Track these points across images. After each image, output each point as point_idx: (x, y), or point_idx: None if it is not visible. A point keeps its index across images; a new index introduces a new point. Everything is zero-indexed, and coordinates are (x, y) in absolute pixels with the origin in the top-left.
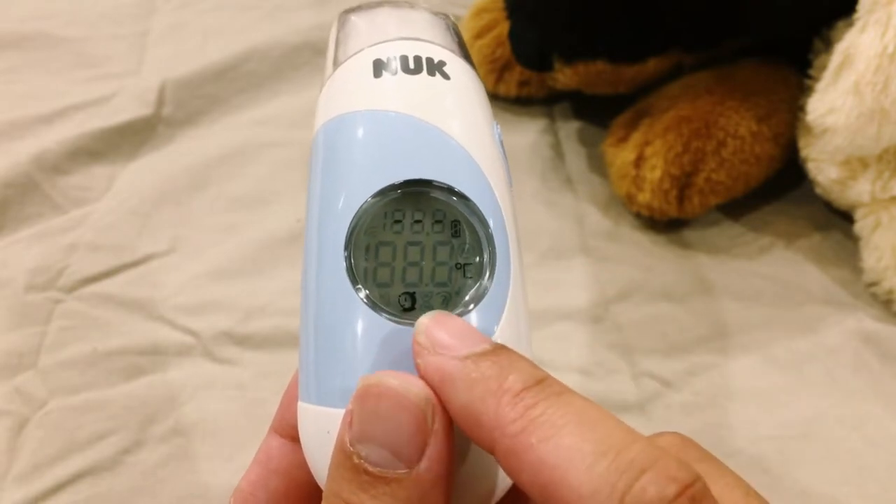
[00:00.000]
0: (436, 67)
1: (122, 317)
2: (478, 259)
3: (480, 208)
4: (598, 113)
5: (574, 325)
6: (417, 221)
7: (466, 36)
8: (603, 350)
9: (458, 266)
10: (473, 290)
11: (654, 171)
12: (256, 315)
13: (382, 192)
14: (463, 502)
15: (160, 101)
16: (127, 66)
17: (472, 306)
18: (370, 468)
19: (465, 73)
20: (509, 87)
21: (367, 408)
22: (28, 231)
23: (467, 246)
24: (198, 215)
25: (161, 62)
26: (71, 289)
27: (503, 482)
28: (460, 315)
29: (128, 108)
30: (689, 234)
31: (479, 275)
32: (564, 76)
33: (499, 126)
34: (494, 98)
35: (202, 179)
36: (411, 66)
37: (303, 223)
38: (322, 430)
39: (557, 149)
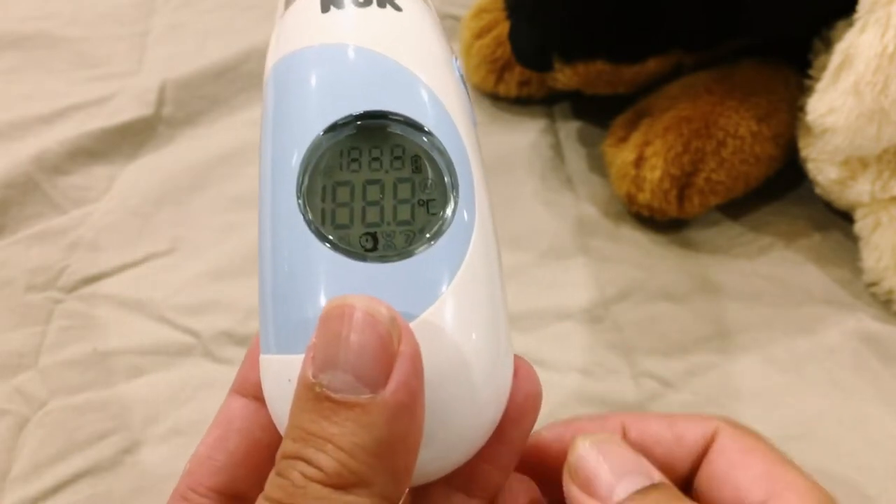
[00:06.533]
0: (387, 0)
1: (122, 317)
2: (441, 194)
3: (440, 139)
4: (598, 113)
5: (574, 325)
6: (375, 159)
7: (466, 35)
8: (603, 350)
9: (422, 203)
10: (437, 225)
11: (654, 171)
12: (256, 315)
13: (336, 127)
14: (442, 439)
15: (160, 101)
16: (127, 66)
17: (435, 242)
18: (332, 395)
19: (417, 5)
20: (509, 87)
21: (329, 330)
22: (28, 231)
23: (430, 181)
24: (198, 215)
25: (161, 62)
26: (71, 289)
27: (488, 423)
28: (425, 249)
29: (128, 108)
30: (689, 234)
31: (443, 209)
32: (564, 76)
33: (458, 60)
34: (495, 98)
35: (202, 179)
36: None
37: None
38: (283, 378)
39: (557, 149)
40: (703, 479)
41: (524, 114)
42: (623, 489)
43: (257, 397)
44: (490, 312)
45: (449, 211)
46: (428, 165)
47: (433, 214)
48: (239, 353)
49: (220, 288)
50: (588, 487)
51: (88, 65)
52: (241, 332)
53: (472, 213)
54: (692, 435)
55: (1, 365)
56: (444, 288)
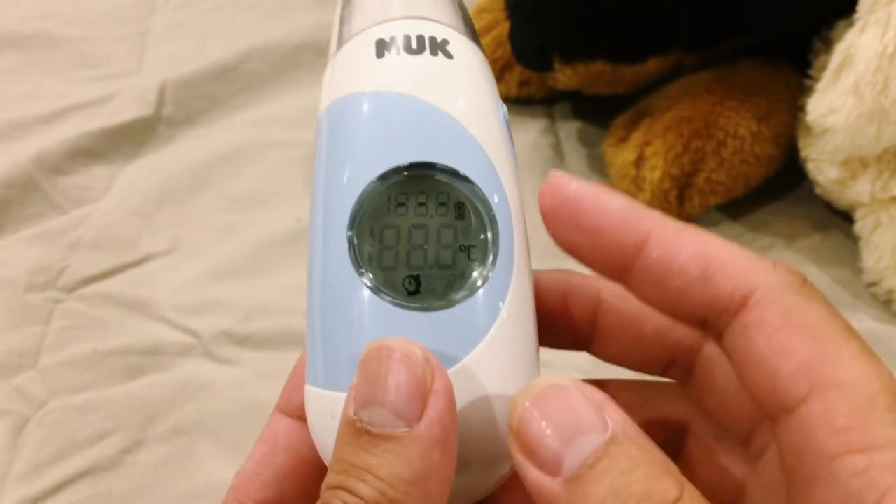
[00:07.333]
0: (439, 47)
1: (122, 317)
2: (482, 241)
3: (483, 189)
4: (598, 113)
5: None
6: (421, 204)
7: None
8: None
9: (463, 248)
10: (478, 271)
11: (654, 172)
12: (256, 315)
13: (385, 176)
14: (474, 469)
15: (160, 101)
16: (127, 66)
17: (476, 288)
18: (372, 429)
19: (469, 53)
20: (509, 87)
21: (369, 371)
22: (28, 231)
23: (472, 228)
24: (198, 215)
25: (161, 62)
26: (71, 289)
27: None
28: (465, 298)
29: (128, 108)
30: None
31: (483, 256)
32: (564, 76)
33: (504, 106)
34: None
35: (202, 179)
36: (414, 46)
37: (303, 223)
38: (328, 414)
39: (557, 149)
40: (735, 350)
41: (524, 114)
42: (573, 458)
43: (301, 417)
44: (524, 355)
45: (489, 258)
46: (471, 213)
47: (473, 260)
48: (239, 353)
49: (220, 288)
50: (533, 456)
51: (88, 65)
52: (241, 332)
53: (510, 261)
54: (726, 286)
55: (1, 365)
56: (483, 334)
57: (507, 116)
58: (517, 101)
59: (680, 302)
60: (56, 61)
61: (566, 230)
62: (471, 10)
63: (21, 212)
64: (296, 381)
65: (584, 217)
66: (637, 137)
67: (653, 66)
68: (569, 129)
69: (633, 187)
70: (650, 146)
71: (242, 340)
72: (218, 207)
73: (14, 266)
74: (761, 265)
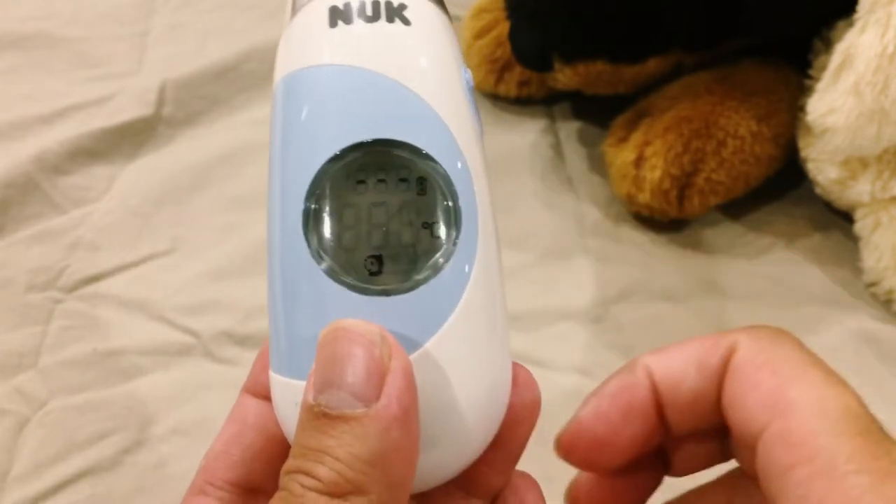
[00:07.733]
0: (395, 12)
1: (122, 317)
2: (445, 218)
3: (443, 164)
4: (598, 113)
5: (574, 325)
6: (381, 181)
7: (466, 35)
8: (603, 350)
9: (426, 225)
10: (441, 249)
11: (654, 172)
12: (256, 315)
13: (342, 155)
14: (441, 448)
15: (160, 101)
16: (127, 66)
17: (439, 266)
18: (330, 411)
19: (430, 16)
20: (509, 87)
21: (325, 355)
22: (28, 231)
23: (434, 205)
24: (198, 215)
25: (161, 62)
26: (71, 289)
27: (483, 440)
28: (429, 277)
29: (128, 108)
30: (689, 234)
31: (447, 233)
32: (564, 76)
33: (469, 71)
34: (495, 98)
35: (202, 179)
36: (369, 12)
37: None
38: (291, 402)
39: (557, 149)
40: (723, 406)
41: (524, 114)
42: None
43: (269, 398)
44: (492, 334)
45: (452, 235)
46: (433, 189)
47: (436, 237)
48: (239, 354)
49: (220, 288)
50: None
51: (88, 65)
52: (241, 332)
53: (474, 238)
54: (712, 360)
55: (1, 365)
56: (448, 313)
57: (471, 83)
58: (517, 101)
59: (701, 403)
60: (56, 61)
61: (612, 458)
62: (471, 11)
63: (21, 212)
64: (262, 363)
65: (611, 441)
66: (637, 137)
67: (653, 66)
68: (569, 129)
69: (633, 187)
70: (650, 146)
71: (242, 340)
72: (218, 207)
73: (14, 266)
74: (730, 331)
